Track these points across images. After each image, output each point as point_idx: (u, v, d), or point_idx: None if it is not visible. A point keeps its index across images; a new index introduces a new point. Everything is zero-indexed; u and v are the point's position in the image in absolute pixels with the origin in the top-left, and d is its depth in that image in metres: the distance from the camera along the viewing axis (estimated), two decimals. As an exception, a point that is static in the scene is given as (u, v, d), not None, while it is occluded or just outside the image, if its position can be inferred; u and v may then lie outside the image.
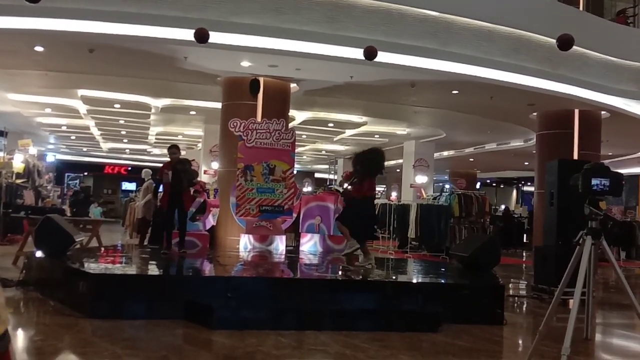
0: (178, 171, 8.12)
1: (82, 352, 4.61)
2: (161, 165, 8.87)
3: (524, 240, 18.93)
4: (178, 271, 7.69)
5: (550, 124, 12.42)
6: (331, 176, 25.52)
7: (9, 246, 11.38)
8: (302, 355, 4.77)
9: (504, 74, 9.85)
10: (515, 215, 20.40)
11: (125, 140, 22.54)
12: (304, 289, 6.31)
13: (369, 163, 7.75)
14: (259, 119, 10.27)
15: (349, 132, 17.77)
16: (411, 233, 14.31)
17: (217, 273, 7.66)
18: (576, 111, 12.03)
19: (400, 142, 19.58)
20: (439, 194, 16.35)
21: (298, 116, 15.10)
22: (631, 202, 22.54)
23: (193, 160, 8.86)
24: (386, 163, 8.43)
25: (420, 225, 14.04)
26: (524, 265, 14.63)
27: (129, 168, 32.50)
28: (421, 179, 18.82)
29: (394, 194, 21.84)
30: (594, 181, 4.04)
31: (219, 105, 11.43)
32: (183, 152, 23.46)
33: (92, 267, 6.82)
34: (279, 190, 9.85)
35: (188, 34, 7.98)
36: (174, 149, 8.47)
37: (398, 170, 21.99)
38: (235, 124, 9.85)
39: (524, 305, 8.14)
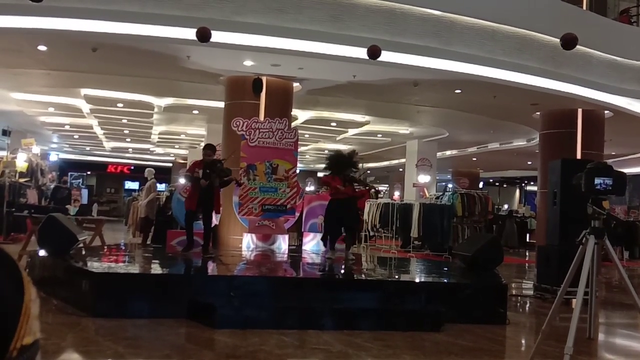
0: (209, 172, 7.73)
1: (85, 350, 4.62)
2: (191, 164, 8.46)
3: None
4: (181, 270, 7.70)
5: (554, 124, 12.39)
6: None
7: (12, 245, 11.40)
8: (304, 355, 4.77)
9: (507, 73, 9.83)
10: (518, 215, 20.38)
11: (128, 140, 22.57)
12: (306, 288, 6.32)
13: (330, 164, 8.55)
14: (261, 118, 10.27)
15: (351, 132, 17.76)
16: (414, 232, 14.30)
17: (220, 272, 7.67)
18: (579, 110, 11.99)
19: (403, 142, 19.56)
20: (441, 193, 16.35)
21: (301, 115, 15.10)
22: (634, 201, 22.46)
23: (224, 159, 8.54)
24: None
25: (423, 225, 14.03)
26: (526, 264, 14.62)
27: (132, 167, 32.56)
28: (424, 178, 18.81)
29: (396, 193, 21.84)
30: (597, 180, 4.04)
31: (221, 104, 11.43)
32: (186, 152, 23.71)
33: (95, 266, 6.83)
34: (282, 190, 9.86)
35: (191, 33, 7.99)
36: (208, 150, 8.09)
37: (401, 169, 21.99)
38: (238, 123, 9.85)
39: (527, 305, 8.13)
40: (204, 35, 7.85)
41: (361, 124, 16.32)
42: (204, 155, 8.04)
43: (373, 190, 10.92)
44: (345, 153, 8.80)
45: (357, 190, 8.54)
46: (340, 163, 8.45)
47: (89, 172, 34.04)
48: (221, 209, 8.41)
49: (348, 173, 8.31)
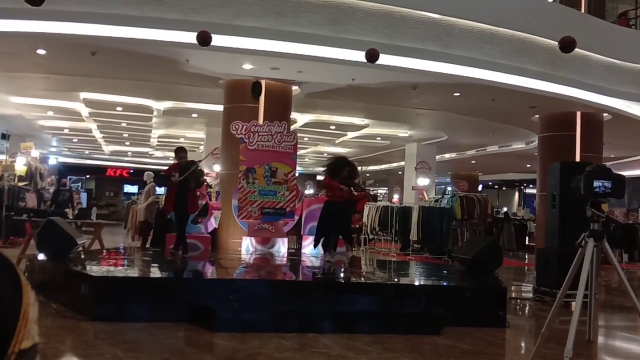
0: (185, 173, 8.10)
1: (84, 354, 4.61)
2: (166, 167, 8.95)
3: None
4: (180, 274, 7.69)
5: (552, 126, 12.40)
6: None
7: (11, 249, 11.38)
8: (303, 358, 4.76)
9: (506, 76, 9.85)
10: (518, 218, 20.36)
11: (127, 143, 22.56)
12: (305, 291, 6.31)
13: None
14: (260, 121, 10.28)
15: (350, 135, 17.77)
16: (413, 235, 14.29)
17: (219, 275, 7.67)
18: (578, 113, 12.01)
19: (402, 145, 19.57)
20: (440, 196, 16.34)
21: (300, 119, 15.11)
22: (633, 204, 22.44)
23: (199, 161, 8.91)
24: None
25: (422, 228, 14.02)
26: (526, 267, 14.62)
27: (131, 171, 32.52)
28: (423, 181, 18.81)
29: (396, 197, 21.84)
30: (596, 183, 4.04)
31: (220, 107, 11.44)
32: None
33: (94, 269, 6.82)
34: (281, 193, 9.86)
35: (190, 37, 8.00)
36: (182, 152, 8.49)
37: (400, 172, 21.99)
38: (237, 126, 9.86)
39: (526, 308, 8.13)
40: (204, 39, 7.85)
41: (360, 127, 16.33)
42: (179, 159, 8.41)
43: (368, 193, 11.03)
44: (342, 156, 8.97)
45: (354, 193, 8.60)
46: (337, 164, 8.57)
47: (88, 176, 34.01)
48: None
49: (344, 174, 8.34)
